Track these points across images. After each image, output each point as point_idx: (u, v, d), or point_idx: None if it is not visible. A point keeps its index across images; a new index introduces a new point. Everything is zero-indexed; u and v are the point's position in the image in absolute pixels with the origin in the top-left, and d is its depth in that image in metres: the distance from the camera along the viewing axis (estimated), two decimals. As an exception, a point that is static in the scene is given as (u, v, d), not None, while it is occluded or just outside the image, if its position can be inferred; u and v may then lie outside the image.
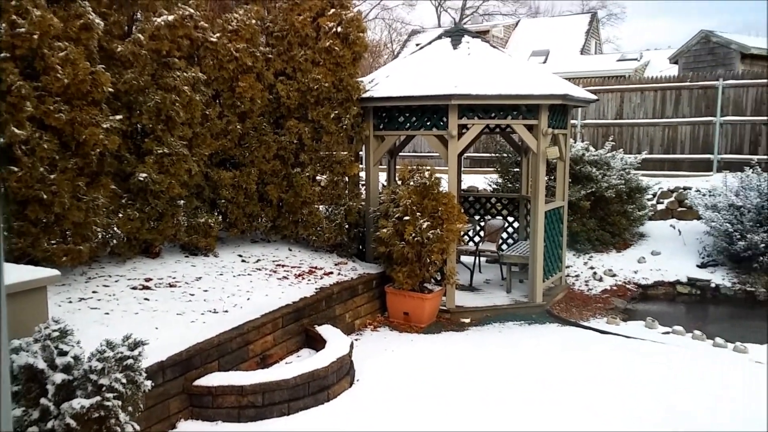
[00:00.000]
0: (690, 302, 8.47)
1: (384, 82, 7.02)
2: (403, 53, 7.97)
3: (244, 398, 4.22)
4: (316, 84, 6.46)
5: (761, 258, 8.18)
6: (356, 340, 5.98)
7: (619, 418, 4.43)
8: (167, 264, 5.55)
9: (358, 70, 7.05)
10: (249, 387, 4.23)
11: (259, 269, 5.90)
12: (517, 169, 9.85)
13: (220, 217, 6.35)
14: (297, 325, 5.37)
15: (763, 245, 8.09)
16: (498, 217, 9.10)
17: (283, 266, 6.13)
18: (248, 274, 5.71)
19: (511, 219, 9.20)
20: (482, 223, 9.06)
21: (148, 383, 3.32)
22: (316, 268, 6.32)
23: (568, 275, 8.77)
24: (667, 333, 6.45)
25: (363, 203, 7.29)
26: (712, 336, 6.23)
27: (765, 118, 11.46)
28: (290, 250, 6.65)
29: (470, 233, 9.14)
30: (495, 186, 10.71)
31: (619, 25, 58.79)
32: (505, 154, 10.65)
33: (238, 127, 6.11)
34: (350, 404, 4.60)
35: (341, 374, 4.78)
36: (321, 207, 6.90)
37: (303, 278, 5.93)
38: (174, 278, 5.27)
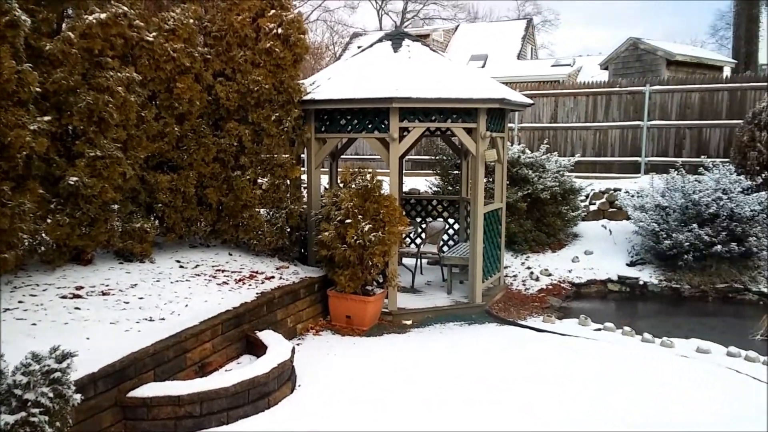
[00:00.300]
0: (620, 299, 8.84)
1: (326, 85, 7.01)
2: (345, 56, 7.97)
3: (182, 408, 4.12)
4: (257, 86, 6.37)
5: (686, 256, 8.63)
6: (298, 344, 5.94)
7: (556, 419, 4.58)
8: (100, 271, 5.36)
9: (299, 72, 7.00)
10: (186, 397, 4.13)
11: (198, 275, 5.77)
12: (457, 172, 10.02)
13: (157, 221, 6.18)
14: (237, 331, 5.28)
15: (687, 244, 8.53)
16: (439, 219, 9.24)
17: (223, 271, 6.02)
18: (186, 280, 5.57)
19: (451, 221, 9.36)
20: (423, 225, 9.17)
21: (78, 397, 3.20)
22: (257, 272, 6.23)
23: (506, 275, 8.99)
24: (599, 330, 6.71)
25: (305, 206, 7.24)
26: (641, 331, 6.51)
27: (689, 122, 12.10)
28: (230, 254, 6.54)
29: (412, 235, 9.24)
30: (436, 188, 10.87)
31: (554, 32, 60.96)
32: (445, 157, 10.82)
33: (176, 129, 5.96)
34: (291, 410, 4.56)
35: (282, 380, 4.73)
36: (262, 210, 6.82)
37: (244, 283, 5.84)
38: (107, 286, 5.09)
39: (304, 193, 7.41)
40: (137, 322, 4.53)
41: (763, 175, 9.04)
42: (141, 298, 4.97)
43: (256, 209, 6.62)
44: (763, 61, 17.84)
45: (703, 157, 10.66)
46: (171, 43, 5.79)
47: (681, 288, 8.66)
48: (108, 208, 5.33)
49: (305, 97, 6.82)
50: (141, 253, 5.72)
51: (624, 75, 14.93)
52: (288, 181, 7.01)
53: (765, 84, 11.50)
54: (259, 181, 6.77)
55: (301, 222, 7.20)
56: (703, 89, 12.09)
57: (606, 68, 16.26)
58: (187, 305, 5.02)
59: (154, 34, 5.72)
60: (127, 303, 4.84)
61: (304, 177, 7.44)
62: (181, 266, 5.89)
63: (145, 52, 5.67)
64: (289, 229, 7.03)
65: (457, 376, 5.31)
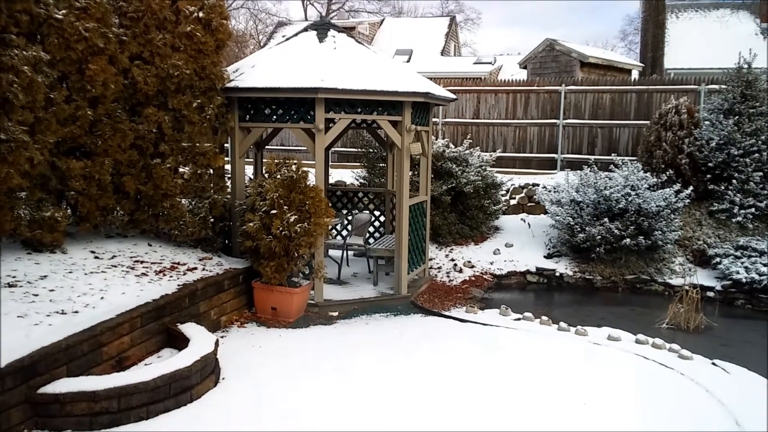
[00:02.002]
0: (538, 290, 9.21)
1: (250, 72, 6.85)
2: (269, 44, 7.79)
3: (97, 404, 3.93)
4: (177, 70, 6.14)
5: (598, 249, 9.09)
6: (222, 337, 5.80)
7: (475, 407, 4.71)
8: (6, 262, 5.00)
9: (221, 58, 6.81)
10: (102, 392, 3.93)
11: (115, 266, 5.50)
12: (383, 165, 10.08)
13: (69, 210, 5.84)
14: (157, 324, 5.08)
15: (599, 237, 8.99)
16: (365, 212, 9.27)
17: (142, 262, 5.77)
18: (102, 272, 5.30)
19: (377, 213, 9.41)
20: (350, 217, 9.18)
21: (-17, 394, 2.98)
22: (178, 263, 6.02)
23: (431, 267, 9.15)
24: (519, 319, 6.96)
25: (229, 197, 7.06)
26: (557, 321, 6.81)
27: (601, 121, 12.75)
28: (150, 245, 6.28)
29: (338, 227, 9.22)
30: (362, 180, 10.89)
31: (476, 30, 62.34)
32: (371, 150, 10.86)
33: (89, 113, 5.63)
34: (215, 404, 4.45)
35: (205, 373, 4.60)
36: (184, 200, 6.59)
37: (164, 275, 5.63)
38: (14, 277, 4.76)
39: (228, 183, 7.23)
40: (48, 316, 4.26)
41: (668, 172, 9.66)
42: (52, 291, 4.68)
43: (178, 199, 6.39)
44: (668, 65, 19.03)
45: (613, 154, 11.27)
46: (83, 22, 5.46)
47: (594, 279, 9.13)
48: (14, 195, 4.97)
49: (228, 85, 6.64)
50: (51, 243, 5.39)
51: (541, 74, 15.51)
52: (211, 171, 6.81)
53: (670, 87, 12.29)
54: (180, 170, 6.53)
55: (225, 212, 7.02)
56: (614, 90, 12.77)
57: (525, 67, 16.83)
58: (102, 297, 4.77)
59: (64, 11, 5.36)
60: (36, 295, 4.54)
61: (228, 167, 7.26)
62: (96, 257, 5.59)
63: (54, 31, 5.31)
64: (212, 220, 6.84)
65: (384, 368, 5.36)
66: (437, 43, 28.91)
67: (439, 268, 9.28)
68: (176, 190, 6.30)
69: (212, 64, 6.49)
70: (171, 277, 5.61)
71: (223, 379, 4.87)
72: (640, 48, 18.12)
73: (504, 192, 11.16)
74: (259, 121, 7.00)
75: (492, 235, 10.50)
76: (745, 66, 10.19)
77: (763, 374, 5.60)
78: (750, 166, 9.61)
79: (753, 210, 9.46)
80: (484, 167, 10.38)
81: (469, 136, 12.88)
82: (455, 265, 9.34)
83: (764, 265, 8.40)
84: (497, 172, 10.96)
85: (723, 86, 10.60)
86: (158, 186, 6.14)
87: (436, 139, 10.91)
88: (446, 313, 7.09)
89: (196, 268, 6.03)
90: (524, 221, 10.86)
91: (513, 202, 11.40)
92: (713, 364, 5.89)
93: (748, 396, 5.11)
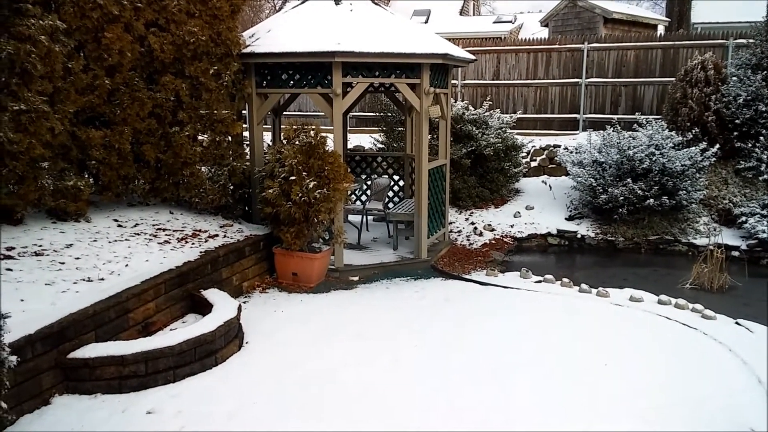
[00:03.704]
0: (559, 252, 9.16)
1: (265, 38, 6.78)
2: (285, 8, 7.67)
3: (126, 368, 4.04)
4: (193, 37, 6.10)
5: (620, 210, 8.98)
6: (244, 302, 5.89)
7: (494, 370, 4.75)
8: (32, 231, 5.10)
9: (237, 23, 6.74)
10: (130, 356, 4.04)
11: (138, 234, 5.58)
12: (402, 129, 9.99)
13: (92, 179, 5.91)
14: (181, 291, 5.17)
15: (621, 198, 8.86)
16: (384, 176, 9.24)
17: (164, 230, 5.85)
18: (126, 240, 5.39)
19: (396, 177, 9.38)
20: (369, 182, 9.16)
21: (13, 359, 3.09)
22: (200, 231, 6.09)
23: (451, 231, 9.13)
24: (540, 282, 6.95)
25: (247, 163, 7.08)
26: (578, 282, 6.78)
27: (625, 79, 12.43)
28: (171, 213, 6.35)
29: (357, 192, 9.22)
30: (381, 145, 10.83)
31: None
32: (389, 114, 10.76)
33: (107, 82, 5.64)
34: (239, 367, 4.55)
35: (229, 338, 4.70)
36: (203, 168, 6.62)
37: (186, 242, 5.70)
38: (41, 246, 4.86)
39: (247, 150, 7.24)
40: (74, 283, 4.36)
41: (694, 130, 9.43)
42: (77, 259, 4.78)
43: (197, 166, 6.43)
44: (695, 20, 18.39)
45: (637, 113, 11.01)
46: (97, -12, 5.43)
47: (616, 240, 9.04)
48: (37, 166, 5.04)
49: (245, 51, 6.59)
50: (76, 212, 5.48)
51: (563, 32, 15.12)
52: (229, 138, 6.82)
53: (697, 42, 11.89)
54: (199, 137, 6.55)
55: (245, 179, 7.05)
56: (638, 47, 12.40)
57: (546, 25, 16.41)
58: (127, 265, 4.86)
59: (79, -21, 5.34)
60: (63, 263, 4.64)
61: (246, 134, 7.26)
62: (119, 225, 5.68)
63: (69, -1, 5.30)
64: (232, 187, 6.88)
65: (406, 331, 5.42)
66: (456, 2, 28.25)
67: (459, 231, 9.26)
68: (195, 157, 6.32)
69: (228, 29, 6.43)
70: (193, 244, 5.68)
71: (246, 343, 4.96)
72: (666, 2, 17.51)
73: (525, 154, 11.03)
74: (276, 86, 6.96)
75: (512, 197, 10.42)
76: (775, 18, 9.80)
77: (789, 334, 5.54)
78: (779, 122, 9.33)
79: (781, 168, 9.22)
80: (504, 129, 10.24)
81: (488, 98, 12.67)
82: (475, 228, 9.31)
83: (792, 224, 8.23)
84: (518, 134, 10.81)
85: (751, 40, 10.24)
86: (178, 154, 6.18)
87: (456, 102, 10.76)
88: (467, 277, 7.10)
89: (217, 235, 6.10)
90: (545, 183, 10.74)
91: (534, 164, 11.26)
92: (737, 323, 5.83)
93: (773, 355, 5.06)
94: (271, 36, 6.80)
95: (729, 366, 4.84)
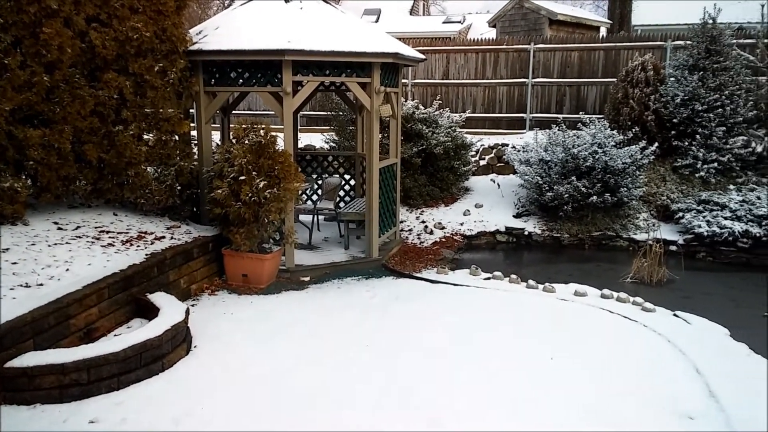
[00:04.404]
0: (508, 249, 9.35)
1: (213, 35, 6.66)
2: (234, 5, 7.56)
3: (67, 377, 3.90)
4: (136, 33, 5.93)
5: (565, 207, 9.23)
6: (193, 305, 5.78)
7: (445, 363, 4.81)
8: (-36, 236, 4.87)
9: (183, 20, 6.60)
10: (71, 364, 3.90)
11: (80, 237, 5.40)
12: (353, 128, 9.99)
13: (30, 180, 5.67)
14: (126, 295, 5.03)
15: (566, 195, 9.12)
16: (335, 175, 9.22)
17: (107, 232, 5.68)
18: (66, 243, 5.20)
19: (347, 177, 9.37)
20: (320, 182, 9.12)
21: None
22: (146, 233, 5.94)
23: (402, 230, 9.19)
24: (489, 278, 7.08)
25: (195, 163, 6.94)
26: (526, 278, 6.94)
27: (569, 80, 12.78)
28: (116, 215, 6.17)
29: (308, 192, 9.17)
30: (332, 144, 10.80)
31: (445, -12, 61.15)
32: (341, 113, 10.75)
33: (46, 79, 5.42)
34: (187, 372, 4.46)
35: (177, 342, 4.60)
36: (149, 168, 6.45)
37: (131, 244, 5.55)
38: (-26, 251, 4.64)
39: (195, 149, 7.09)
40: (11, 289, 4.18)
41: (634, 129, 9.77)
42: (15, 264, 4.58)
43: (143, 166, 6.26)
44: (635, 22, 19.04)
45: (581, 113, 11.34)
46: (35, -18, 5.22)
47: (561, 237, 9.29)
48: (-31, 167, 4.81)
49: (192, 48, 6.46)
50: (12, 214, 5.25)
51: (511, 33, 15.41)
52: (176, 137, 6.67)
53: (637, 44, 12.33)
54: (144, 136, 6.38)
55: (193, 179, 6.91)
56: (582, 48, 12.77)
57: (494, 26, 16.68)
58: (68, 269, 4.69)
59: (14, -29, 5.12)
60: (-1, 269, 4.45)
61: (194, 133, 7.11)
62: (59, 228, 5.48)
63: (4, -8, 5.07)
64: (179, 187, 6.73)
65: (357, 330, 5.43)
66: (406, 2, 28.39)
67: (410, 230, 9.33)
68: (140, 157, 6.16)
69: (173, 25, 6.29)
70: (138, 246, 5.54)
71: (195, 347, 4.88)
72: (608, 4, 18.08)
73: (474, 153, 11.20)
74: (224, 84, 6.85)
75: (462, 196, 10.57)
76: (710, 21, 10.26)
77: (722, 324, 5.82)
78: (713, 121, 9.78)
79: (715, 165, 9.67)
80: (453, 128, 10.38)
81: (438, 97, 12.82)
82: (426, 226, 9.40)
83: (725, 218, 8.63)
84: (467, 132, 10.97)
85: (688, 42, 10.70)
86: (122, 154, 6.00)
87: (406, 101, 10.83)
88: (417, 275, 7.17)
89: (164, 237, 5.96)
90: (494, 181, 10.94)
91: (483, 162, 11.45)
92: (675, 315, 6.10)
93: (708, 345, 5.32)
94: (219, 33, 6.68)
95: (668, 356, 5.05)
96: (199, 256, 6.23)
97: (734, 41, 10.40)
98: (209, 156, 6.94)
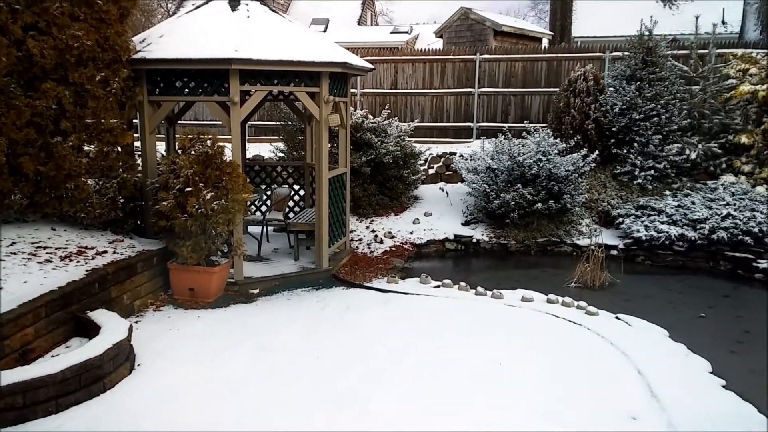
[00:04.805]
0: (457, 257, 9.47)
1: (158, 43, 6.52)
2: (179, 13, 7.42)
3: (1, 401, 3.72)
4: (77, 42, 5.74)
5: (512, 214, 9.43)
6: (137, 322, 5.62)
7: (394, 373, 4.83)
8: None
9: (127, 28, 6.43)
10: (6, 388, 3.72)
11: (15, 253, 5.17)
12: (302, 137, 9.94)
13: (-41, 195, 5.41)
14: (65, 313, 4.84)
15: (513, 203, 9.32)
16: (284, 186, 9.15)
17: (45, 248, 5.45)
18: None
19: (297, 187, 9.31)
20: (269, 192, 9.03)
21: None
22: (86, 248, 5.74)
23: (352, 239, 9.19)
24: (438, 286, 7.16)
25: (139, 175, 6.76)
26: (474, 286, 7.05)
27: (514, 89, 13.09)
28: (54, 229, 5.93)
29: (257, 203, 9.06)
30: (281, 154, 10.72)
31: (392, -2, 61.64)
32: (289, 122, 10.68)
33: (-23, 89, 5.20)
34: (130, 392, 4.32)
35: (119, 361, 4.46)
36: (90, 180, 6.24)
37: (71, 260, 5.35)
38: None
39: (139, 160, 6.91)
40: (-60, 311, 3.98)
41: (576, 138, 10.09)
42: (-57, 284, 4.36)
43: (83, 179, 6.05)
44: (575, 33, 19.70)
45: (526, 122, 11.64)
46: (-35, -12, 5.00)
47: (508, 244, 9.48)
48: None
49: (135, 56, 6.31)
50: (-60, 231, 4.99)
51: (457, 43, 15.68)
52: (119, 148, 6.47)
53: (577, 55, 12.76)
54: (85, 148, 6.17)
55: (136, 192, 6.73)
56: (525, 59, 13.12)
57: (441, 36, 16.95)
58: (1, 288, 4.49)
59: (-58, -24, 4.89)
60: (-74, 290, 4.21)
61: (137, 144, 6.93)
62: (-8, 245, 5.24)
63: (-69, -2, 4.84)
64: (122, 200, 6.54)
65: (307, 343, 5.39)
66: (354, 12, 28.54)
67: (360, 239, 9.34)
68: (81, 169, 5.96)
69: (116, 34, 6.12)
70: (78, 262, 5.35)
71: (138, 365, 4.73)
72: (550, 16, 18.65)
73: (422, 161, 11.31)
74: (169, 94, 6.71)
75: (411, 204, 10.66)
76: (646, 33, 10.71)
77: (661, 325, 6.07)
78: (650, 129, 10.19)
79: (652, 172, 10.07)
80: (402, 137, 10.46)
81: (387, 107, 12.91)
82: (376, 236, 9.43)
83: (662, 223, 9.00)
84: (416, 142, 11.09)
85: (626, 53, 11.12)
86: (60, 166, 5.78)
87: (355, 110, 10.87)
88: (368, 285, 7.18)
89: (105, 252, 5.77)
90: (442, 190, 11.08)
91: (431, 171, 11.58)
92: (617, 318, 6.31)
93: (648, 346, 5.52)
94: (163, 41, 6.54)
95: (611, 358, 5.22)
96: (144, 270, 6.06)
97: (669, 52, 10.89)
98: (154, 167, 6.77)
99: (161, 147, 7.83)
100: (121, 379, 4.44)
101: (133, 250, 6.04)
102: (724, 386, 4.81)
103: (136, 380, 4.49)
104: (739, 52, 11.04)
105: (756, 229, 8.43)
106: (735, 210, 8.79)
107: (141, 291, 6.01)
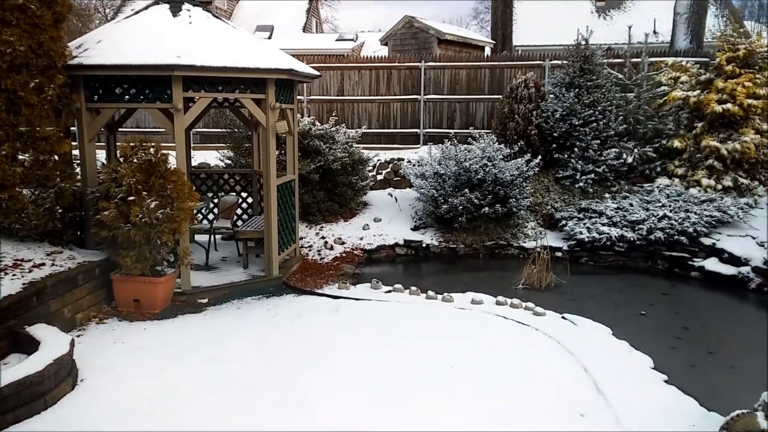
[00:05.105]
0: (407, 262, 9.54)
1: (95, 48, 6.32)
2: (117, 18, 7.20)
3: (-66, 423, 3.52)
4: (9, 47, 5.51)
5: (460, 218, 9.58)
6: (79, 336, 5.41)
7: (353, 379, 4.82)
8: None
9: (62, 33, 6.21)
10: (-61, 409, 3.54)
11: (-56, 268, 4.90)
12: (249, 144, 9.82)
13: None
14: (1, 328, 4.62)
15: (461, 207, 9.46)
16: (232, 194, 9.01)
17: (-23, 262, 5.19)
18: (-72, 276, 4.71)
19: (245, 194, 9.19)
20: (216, 200, 8.88)
21: None
22: (22, 260, 5.49)
23: (302, 246, 9.13)
24: (389, 291, 7.19)
25: (78, 184, 6.52)
26: (425, 290, 7.11)
27: (458, 96, 13.32)
28: (-14, 242, 5.66)
29: (204, 211, 8.89)
30: (228, 162, 10.55)
31: (337, 7, 61.81)
32: (236, 129, 10.53)
33: None
34: (73, 409, 4.16)
35: (61, 376, 4.28)
36: (25, 190, 5.98)
37: (6, 274, 5.10)
38: None
39: (78, 169, 6.67)
40: None
41: (520, 143, 10.35)
42: None
43: (17, 189, 5.79)
44: (516, 42, 20.21)
45: (471, 128, 11.87)
46: None
47: (457, 248, 9.62)
48: None
49: (72, 62, 6.10)
50: None
51: (402, 51, 15.85)
52: (56, 157, 6.23)
53: (519, 63, 13.10)
54: (20, 157, 5.91)
55: (75, 201, 6.48)
56: (469, 66, 13.38)
57: (386, 44, 17.06)
58: (-69, 305, 4.25)
59: None
60: None
61: (76, 152, 6.69)
62: None
63: None
64: (60, 210, 6.28)
65: (261, 352, 5.31)
66: (299, 19, 28.42)
67: (310, 246, 9.29)
68: (15, 179, 5.70)
69: (51, 39, 5.90)
70: (14, 275, 5.11)
71: (82, 380, 4.56)
72: (491, 26, 19.04)
73: (371, 168, 11.35)
74: (109, 101, 6.52)
75: (361, 210, 10.67)
76: (583, 42, 11.11)
77: (605, 323, 6.27)
78: (589, 134, 10.55)
79: (592, 175, 10.43)
80: (350, 144, 10.48)
81: (334, 113, 12.90)
82: (326, 242, 9.40)
83: (603, 225, 9.32)
84: (363, 148, 11.12)
85: (564, 61, 11.49)
86: (-7, 176, 5.53)
87: (302, 117, 10.82)
88: (319, 291, 7.14)
89: (43, 264, 5.54)
90: (391, 195, 11.14)
91: (380, 177, 11.64)
92: (563, 317, 6.49)
93: (593, 344, 5.70)
94: (102, 47, 6.35)
95: (558, 357, 5.36)
96: (85, 282, 5.85)
97: (605, 61, 11.32)
98: (94, 176, 6.55)
99: (102, 155, 7.58)
100: (64, 395, 4.26)
101: (73, 262, 5.82)
102: (666, 381, 5.00)
103: (78, 396, 4.33)
104: (671, 60, 11.57)
105: (690, 229, 8.84)
106: (670, 211, 9.19)
107: (83, 304, 5.80)
